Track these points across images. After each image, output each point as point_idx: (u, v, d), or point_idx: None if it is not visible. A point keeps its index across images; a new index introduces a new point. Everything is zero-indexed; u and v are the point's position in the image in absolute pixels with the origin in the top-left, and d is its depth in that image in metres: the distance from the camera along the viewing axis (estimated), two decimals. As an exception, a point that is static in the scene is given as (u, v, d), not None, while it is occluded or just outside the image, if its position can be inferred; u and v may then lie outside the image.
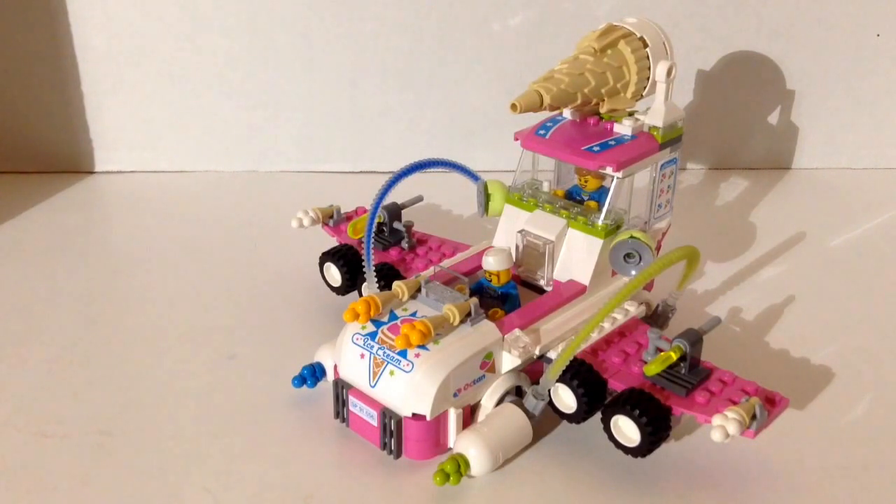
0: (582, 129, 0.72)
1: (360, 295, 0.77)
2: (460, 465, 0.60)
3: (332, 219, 0.84)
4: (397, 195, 0.73)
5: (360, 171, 1.14)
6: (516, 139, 0.73)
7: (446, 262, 0.75)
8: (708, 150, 1.15)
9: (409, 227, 0.81)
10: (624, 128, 0.70)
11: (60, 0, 1.06)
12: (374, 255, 0.70)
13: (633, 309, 0.69)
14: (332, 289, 0.81)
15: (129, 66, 1.09)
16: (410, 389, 0.60)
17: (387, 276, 0.74)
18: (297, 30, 1.08)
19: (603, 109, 0.71)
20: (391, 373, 0.61)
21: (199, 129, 1.13)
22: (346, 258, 0.78)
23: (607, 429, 0.61)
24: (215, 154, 1.14)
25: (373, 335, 0.63)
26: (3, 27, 1.07)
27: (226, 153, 1.14)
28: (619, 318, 0.68)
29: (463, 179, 0.79)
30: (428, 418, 0.61)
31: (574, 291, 0.70)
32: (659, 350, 0.63)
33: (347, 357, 0.64)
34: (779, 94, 1.11)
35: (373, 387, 0.62)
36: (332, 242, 0.84)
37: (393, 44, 1.09)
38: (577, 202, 0.73)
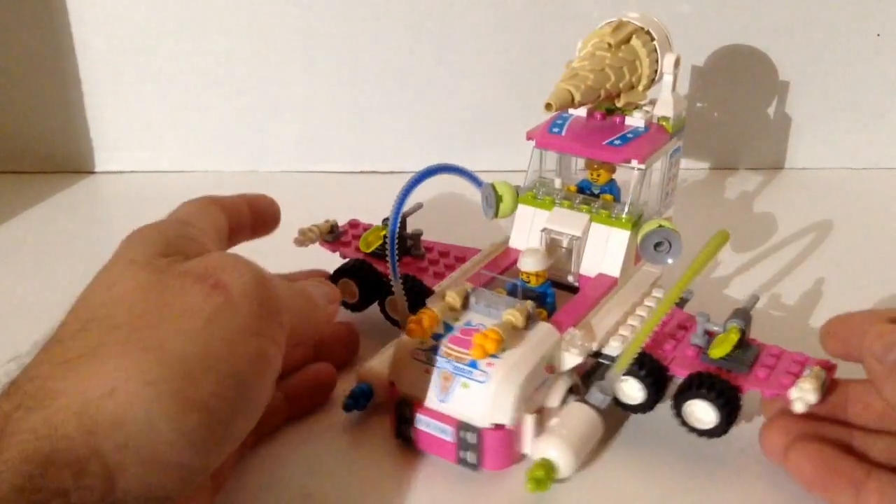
0: (594, 125, 0.73)
1: (383, 310, 0.75)
2: (549, 470, 0.59)
3: (331, 234, 0.81)
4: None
5: (360, 171, 1.14)
6: (529, 138, 0.73)
7: (466, 267, 0.74)
8: (708, 151, 1.15)
9: (418, 235, 0.79)
10: (636, 120, 0.72)
11: (60, 0, 1.06)
12: (382, 264, 0.71)
13: (662, 296, 0.71)
14: (348, 306, 0.77)
15: (129, 66, 1.10)
16: (488, 400, 0.59)
17: (411, 287, 0.72)
18: (297, 30, 1.08)
19: (620, 103, 0.72)
20: (464, 385, 0.60)
21: (199, 129, 1.13)
22: (362, 274, 0.75)
23: (679, 415, 0.62)
24: (215, 154, 1.14)
25: (435, 349, 0.61)
26: (3, 27, 1.07)
27: (226, 153, 1.14)
28: (653, 305, 0.69)
29: (454, 182, 0.78)
30: (508, 427, 0.60)
31: (608, 284, 0.70)
32: (707, 332, 0.63)
33: (410, 374, 0.62)
34: (778, 95, 1.11)
35: (443, 401, 0.61)
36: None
37: (393, 44, 1.09)
38: (591, 196, 0.73)
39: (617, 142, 0.70)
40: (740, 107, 1.12)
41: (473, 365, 0.60)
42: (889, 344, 0.54)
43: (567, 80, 0.67)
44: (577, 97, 0.66)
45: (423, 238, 0.79)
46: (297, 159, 1.15)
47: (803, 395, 0.57)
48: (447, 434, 0.61)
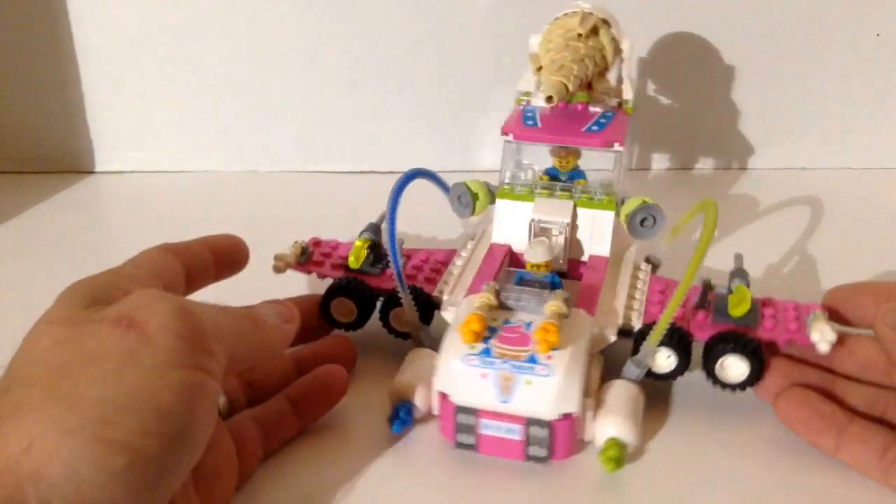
0: (560, 113, 0.75)
1: (385, 324, 0.73)
2: (621, 448, 0.60)
3: (303, 256, 0.77)
4: (371, 215, 0.73)
5: (360, 171, 1.14)
6: (504, 133, 0.74)
7: (455, 269, 0.74)
8: (708, 151, 1.15)
9: (399, 244, 0.74)
10: (601, 105, 0.75)
11: (60, 0, 1.06)
12: (373, 279, 0.72)
13: (647, 267, 0.74)
14: (342, 325, 0.75)
15: (129, 66, 1.10)
16: (556, 392, 0.60)
17: (416, 297, 0.70)
18: (297, 30, 1.08)
19: (597, 91, 0.76)
20: (528, 382, 0.60)
21: (199, 129, 1.13)
22: (357, 291, 0.73)
23: (712, 373, 0.65)
24: (215, 154, 1.15)
25: (487, 352, 0.61)
26: (3, 27, 1.07)
27: (226, 153, 1.14)
28: (643, 277, 0.73)
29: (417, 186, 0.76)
30: (576, 415, 0.61)
31: (603, 264, 0.72)
32: (708, 295, 0.67)
33: (465, 381, 0.61)
34: (778, 95, 1.11)
35: (506, 402, 0.60)
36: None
37: (393, 44, 1.09)
38: (567, 183, 0.75)
39: (594, 128, 0.72)
40: (739, 107, 1.12)
41: (533, 360, 0.60)
42: None
43: (557, 73, 0.69)
44: (570, 87, 0.69)
45: (406, 247, 0.78)
46: (297, 159, 1.15)
47: (825, 336, 0.62)
48: (515, 433, 0.61)
